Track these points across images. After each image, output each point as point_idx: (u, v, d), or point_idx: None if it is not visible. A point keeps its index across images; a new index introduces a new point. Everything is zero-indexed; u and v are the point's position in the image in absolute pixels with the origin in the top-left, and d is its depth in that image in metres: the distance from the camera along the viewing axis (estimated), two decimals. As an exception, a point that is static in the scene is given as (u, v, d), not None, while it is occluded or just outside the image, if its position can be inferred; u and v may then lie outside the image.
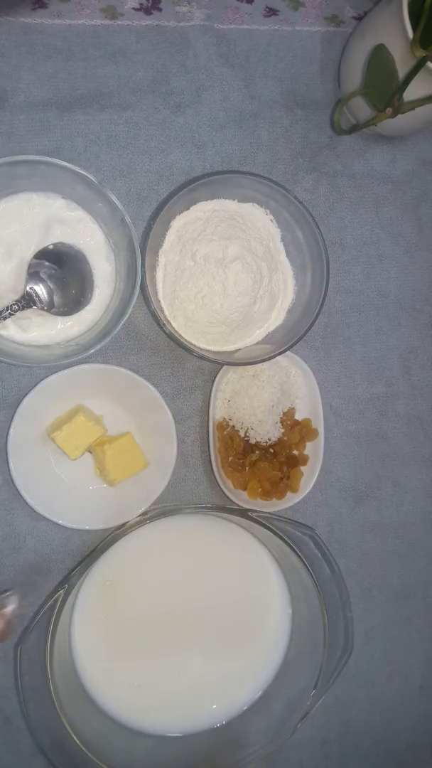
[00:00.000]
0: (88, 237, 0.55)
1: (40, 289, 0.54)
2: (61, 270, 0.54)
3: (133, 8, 0.61)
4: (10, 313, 0.52)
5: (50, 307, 0.54)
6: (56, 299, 0.54)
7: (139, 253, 0.52)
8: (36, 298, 0.53)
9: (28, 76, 0.58)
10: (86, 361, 0.58)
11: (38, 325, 0.54)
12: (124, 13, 0.60)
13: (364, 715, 0.66)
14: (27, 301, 0.53)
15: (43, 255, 0.54)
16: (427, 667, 0.68)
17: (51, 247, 0.54)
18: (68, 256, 0.54)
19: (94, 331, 0.56)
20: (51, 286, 0.54)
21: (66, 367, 0.55)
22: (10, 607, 0.55)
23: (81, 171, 0.51)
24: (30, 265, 0.53)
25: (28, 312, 0.54)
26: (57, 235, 0.54)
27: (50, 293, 0.54)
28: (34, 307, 0.53)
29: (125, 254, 0.54)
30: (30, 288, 0.53)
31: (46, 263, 0.54)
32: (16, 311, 0.53)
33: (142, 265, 0.53)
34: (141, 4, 0.61)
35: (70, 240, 0.54)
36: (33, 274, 0.53)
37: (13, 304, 0.52)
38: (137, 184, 0.60)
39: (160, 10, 0.61)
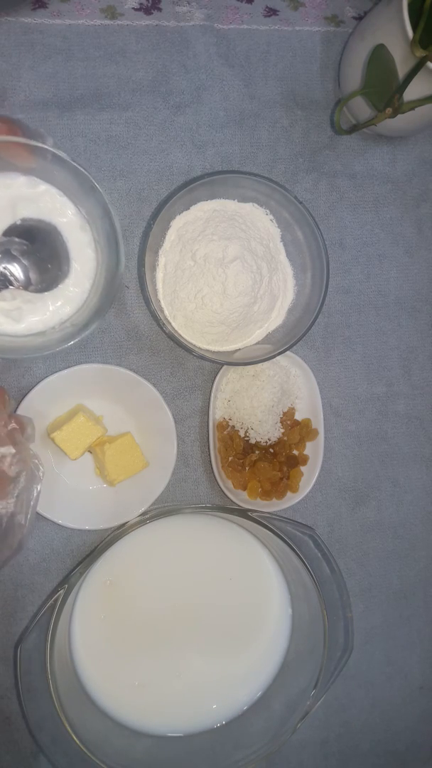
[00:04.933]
0: (57, 209, 0.53)
1: (14, 268, 0.52)
2: (33, 245, 0.52)
3: (133, 8, 0.61)
4: None
5: (27, 285, 0.52)
6: (32, 276, 0.53)
7: (116, 219, 0.50)
8: (11, 278, 0.52)
9: (28, 75, 0.58)
10: (86, 361, 0.58)
11: (29, 312, 0.53)
12: (124, 13, 0.60)
13: (364, 715, 0.66)
14: (2, 281, 0.51)
15: (11, 232, 0.52)
16: (427, 667, 0.68)
17: (18, 222, 0.52)
18: (38, 230, 0.53)
19: (87, 308, 0.54)
20: (25, 263, 0.52)
21: (66, 353, 0.54)
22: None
23: (36, 144, 0.48)
24: None
25: (17, 302, 0.52)
26: (25, 213, 0.52)
27: (25, 271, 0.52)
28: (11, 287, 0.52)
29: (101, 223, 0.52)
30: (3, 267, 0.52)
31: (16, 240, 0.52)
32: None
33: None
34: (141, 4, 0.61)
35: (40, 215, 0.52)
36: (5, 253, 0.52)
37: None
38: (137, 184, 0.60)
39: (160, 10, 0.61)
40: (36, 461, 0.52)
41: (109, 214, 0.50)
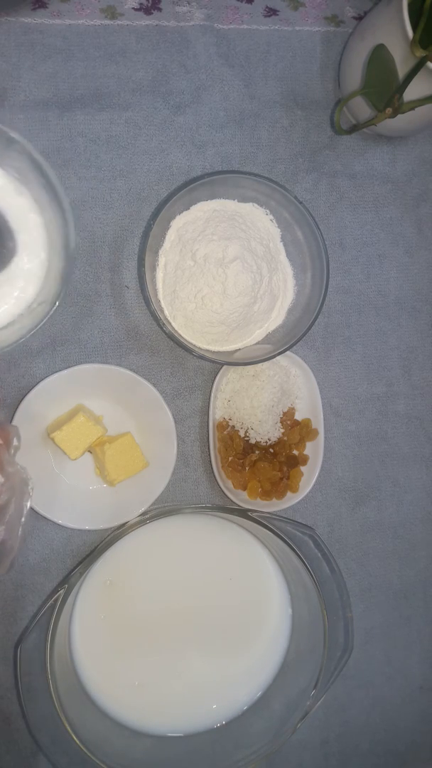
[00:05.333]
0: None
1: None
2: None
3: (133, 8, 0.61)
4: None
5: None
6: None
7: (49, 169, 0.44)
8: None
9: (28, 75, 0.58)
10: (86, 361, 0.58)
11: None
12: (124, 13, 0.60)
13: (364, 715, 0.66)
14: None
15: None
16: (427, 667, 0.68)
17: None
18: None
19: (51, 278, 0.48)
20: None
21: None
22: None
23: None
24: None
25: None
26: None
27: None
28: None
29: (34, 176, 0.45)
30: None
31: None
32: None
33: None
34: (141, 4, 0.61)
35: None
36: None
37: None
38: (137, 184, 0.60)
39: (160, 10, 0.61)
40: (24, 476, 0.49)
41: (39, 165, 0.44)
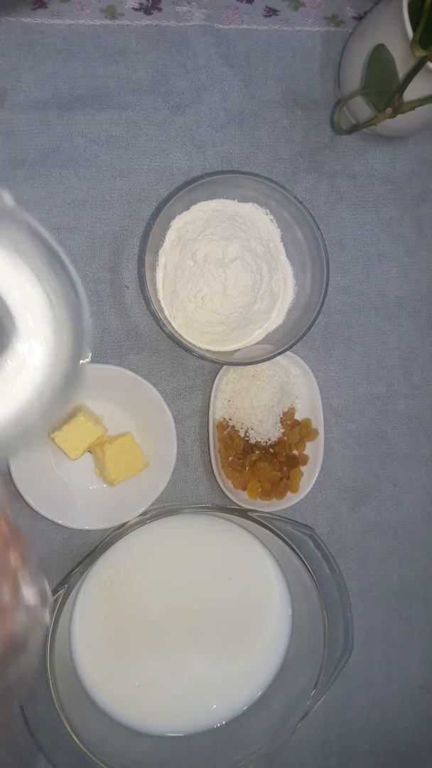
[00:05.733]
0: None
1: None
2: None
3: (133, 8, 0.61)
4: None
5: None
6: None
7: (52, 238, 0.38)
8: None
9: (28, 75, 0.58)
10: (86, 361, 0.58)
11: None
12: (124, 13, 0.60)
13: (364, 715, 0.66)
14: None
15: None
16: (427, 667, 0.68)
17: None
18: None
19: (61, 361, 0.40)
20: None
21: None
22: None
23: None
24: None
25: None
26: None
27: None
28: None
29: (32, 244, 0.39)
30: None
31: None
32: None
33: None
34: (141, 4, 0.61)
35: None
36: None
37: None
38: (137, 184, 0.60)
39: (160, 10, 0.61)
40: (43, 597, 0.39)
41: (37, 233, 0.37)
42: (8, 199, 0.37)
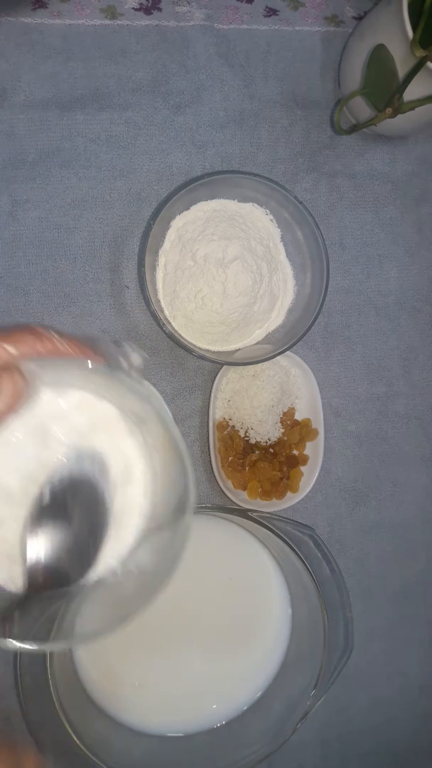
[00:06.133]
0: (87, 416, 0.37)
1: (42, 547, 0.35)
2: (70, 507, 0.36)
3: (133, 8, 0.61)
4: None
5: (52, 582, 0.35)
6: (60, 559, 0.35)
7: (173, 425, 0.35)
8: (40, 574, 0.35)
9: (28, 75, 0.58)
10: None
11: None
12: (124, 13, 0.60)
13: (364, 715, 0.66)
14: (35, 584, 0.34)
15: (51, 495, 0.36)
16: (427, 667, 0.68)
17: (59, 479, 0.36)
18: (73, 483, 0.36)
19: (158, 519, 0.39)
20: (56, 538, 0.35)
21: None
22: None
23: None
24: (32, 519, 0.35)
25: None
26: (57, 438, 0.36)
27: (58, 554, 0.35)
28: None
29: (152, 418, 0.36)
30: (32, 558, 0.34)
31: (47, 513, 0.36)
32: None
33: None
34: (141, 4, 0.61)
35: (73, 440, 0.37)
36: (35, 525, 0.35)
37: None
38: (137, 184, 0.60)
39: (160, 10, 0.61)
40: None
41: (161, 412, 0.35)
42: (137, 359, 0.37)
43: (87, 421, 0.37)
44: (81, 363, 0.34)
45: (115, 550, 0.38)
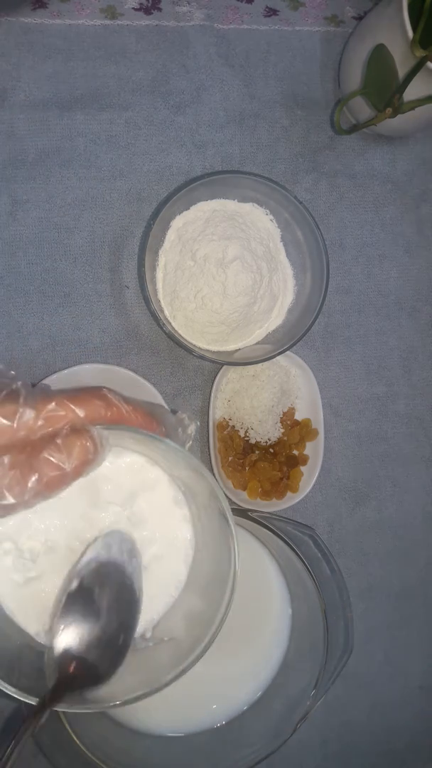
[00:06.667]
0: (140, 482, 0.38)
1: (75, 639, 0.34)
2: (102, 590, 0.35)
3: (133, 8, 0.61)
4: None
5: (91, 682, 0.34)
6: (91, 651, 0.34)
7: (224, 500, 0.35)
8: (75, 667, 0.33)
9: (28, 75, 0.58)
10: (86, 361, 0.58)
11: None
12: (124, 13, 0.60)
13: (364, 715, 0.66)
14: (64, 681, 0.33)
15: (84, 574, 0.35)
16: (427, 667, 0.68)
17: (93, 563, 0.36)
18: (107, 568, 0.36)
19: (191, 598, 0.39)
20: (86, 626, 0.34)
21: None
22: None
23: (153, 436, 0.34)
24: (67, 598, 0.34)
25: None
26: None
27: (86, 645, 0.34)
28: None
29: (200, 490, 0.37)
30: (65, 646, 0.34)
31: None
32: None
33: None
34: (141, 4, 0.61)
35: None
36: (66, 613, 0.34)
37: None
38: (137, 184, 0.60)
39: (160, 10, 0.61)
40: None
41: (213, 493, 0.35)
42: (192, 429, 0.39)
43: (137, 484, 0.38)
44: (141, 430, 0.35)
45: (146, 619, 0.38)
